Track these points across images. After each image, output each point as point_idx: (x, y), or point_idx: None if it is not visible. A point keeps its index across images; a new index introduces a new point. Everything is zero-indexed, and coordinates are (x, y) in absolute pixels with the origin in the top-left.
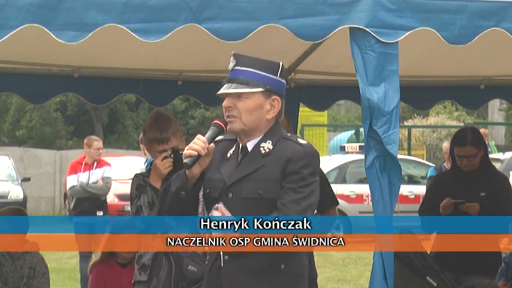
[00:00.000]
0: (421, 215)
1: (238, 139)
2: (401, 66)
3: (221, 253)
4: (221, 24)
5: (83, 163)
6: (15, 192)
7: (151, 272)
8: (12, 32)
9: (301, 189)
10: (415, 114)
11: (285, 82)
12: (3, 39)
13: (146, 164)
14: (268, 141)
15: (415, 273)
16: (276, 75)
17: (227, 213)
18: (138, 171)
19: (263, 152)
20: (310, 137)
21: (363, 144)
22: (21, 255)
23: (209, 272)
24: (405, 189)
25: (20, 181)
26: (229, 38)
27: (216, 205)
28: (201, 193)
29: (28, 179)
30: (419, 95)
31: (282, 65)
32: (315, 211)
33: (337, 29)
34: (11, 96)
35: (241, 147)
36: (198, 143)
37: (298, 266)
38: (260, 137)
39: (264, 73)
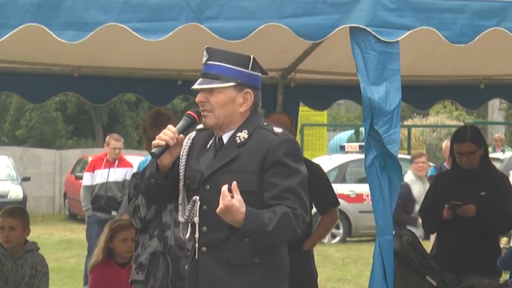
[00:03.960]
0: (421, 216)
1: (214, 131)
2: (402, 65)
3: (197, 245)
4: (222, 24)
5: (104, 159)
6: (15, 192)
7: (148, 271)
8: (13, 32)
9: (289, 175)
10: (415, 114)
11: (259, 75)
12: (3, 38)
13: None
14: (243, 131)
15: (415, 273)
16: (247, 69)
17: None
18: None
19: (238, 141)
20: (310, 136)
21: (362, 143)
22: (22, 254)
23: (190, 265)
24: None
25: (19, 181)
26: (230, 37)
27: (194, 197)
28: (181, 183)
29: (28, 179)
30: (420, 95)
31: (253, 58)
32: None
33: (338, 29)
34: (11, 96)
35: (218, 138)
36: (167, 133)
37: (274, 258)
38: (235, 129)
39: (234, 67)
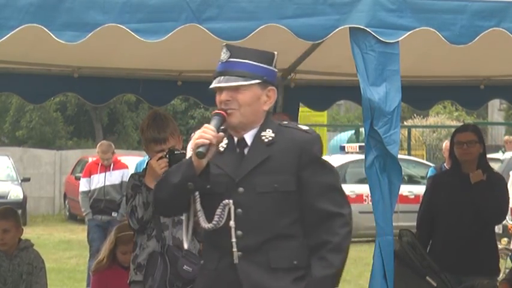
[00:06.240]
0: (417, 223)
1: (231, 132)
2: (402, 66)
3: (235, 249)
4: (222, 24)
5: (99, 164)
6: (15, 192)
7: (146, 271)
8: (12, 32)
9: (327, 172)
10: (415, 114)
11: (277, 71)
12: (3, 39)
13: None
14: (267, 130)
15: (415, 273)
16: (272, 65)
17: None
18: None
19: (266, 141)
20: None
21: (362, 144)
22: (17, 253)
23: (216, 271)
24: (405, 189)
25: (19, 181)
26: (229, 38)
27: (226, 201)
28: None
29: (28, 179)
30: (419, 95)
31: (276, 55)
32: None
33: (337, 29)
34: (11, 96)
35: (238, 139)
36: (209, 132)
37: (307, 259)
38: (257, 128)
39: (260, 64)
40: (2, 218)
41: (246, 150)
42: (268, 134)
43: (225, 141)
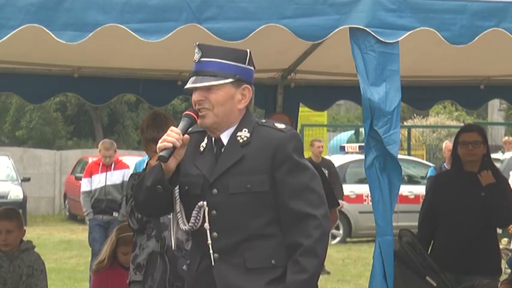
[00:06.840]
0: (418, 223)
1: (209, 132)
2: (401, 66)
3: (211, 251)
4: (221, 24)
5: (100, 164)
6: (15, 192)
7: (146, 271)
8: (13, 32)
9: (302, 171)
10: (415, 114)
11: (253, 69)
12: (3, 39)
13: None
14: (244, 130)
15: (415, 273)
16: (245, 64)
17: None
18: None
19: (241, 141)
20: (310, 137)
21: (362, 144)
22: (18, 254)
23: (197, 272)
24: (405, 189)
25: (20, 181)
26: (229, 38)
27: (201, 202)
28: (176, 191)
29: (28, 179)
30: (419, 95)
31: (250, 52)
32: None
33: (337, 29)
34: (11, 96)
35: (215, 139)
36: (172, 135)
37: (284, 258)
38: (234, 127)
39: (232, 62)
40: (5, 219)
41: (223, 150)
42: (243, 134)
43: (205, 141)
